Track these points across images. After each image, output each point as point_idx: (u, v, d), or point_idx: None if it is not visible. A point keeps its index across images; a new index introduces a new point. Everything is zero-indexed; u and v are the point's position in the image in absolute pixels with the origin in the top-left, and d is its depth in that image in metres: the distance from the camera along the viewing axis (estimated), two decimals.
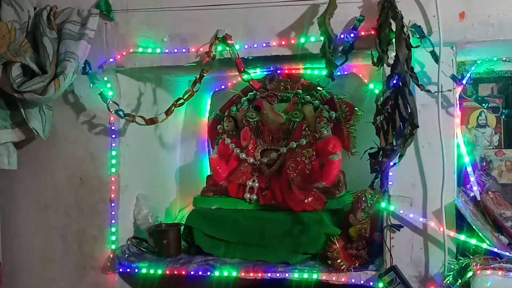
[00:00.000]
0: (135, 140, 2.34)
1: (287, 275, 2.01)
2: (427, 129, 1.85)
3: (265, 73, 2.45)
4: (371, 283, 1.92)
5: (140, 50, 2.16)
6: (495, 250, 1.80)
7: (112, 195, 2.25)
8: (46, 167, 2.34)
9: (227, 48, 2.04)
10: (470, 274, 1.74)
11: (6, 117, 2.19)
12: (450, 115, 1.88)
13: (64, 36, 2.11)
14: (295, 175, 2.21)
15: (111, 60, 2.20)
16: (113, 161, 2.24)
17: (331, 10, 1.87)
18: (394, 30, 1.77)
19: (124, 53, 2.18)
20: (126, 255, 2.24)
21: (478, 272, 1.72)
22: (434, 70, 1.84)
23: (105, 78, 2.23)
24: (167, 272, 2.14)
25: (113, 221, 2.24)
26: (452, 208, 1.86)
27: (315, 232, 2.08)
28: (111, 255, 2.24)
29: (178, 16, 2.12)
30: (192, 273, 2.11)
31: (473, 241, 1.81)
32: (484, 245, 1.80)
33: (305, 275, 1.99)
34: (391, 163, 1.79)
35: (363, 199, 2.08)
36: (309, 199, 2.12)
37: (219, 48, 2.05)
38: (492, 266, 1.73)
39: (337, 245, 1.97)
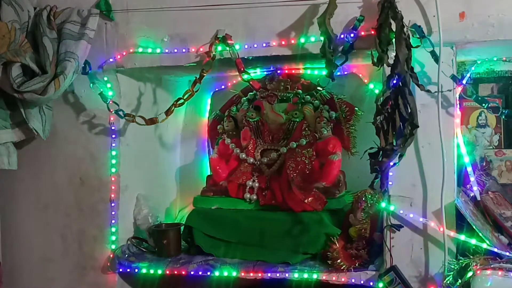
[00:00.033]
0: (135, 140, 2.34)
1: (287, 275, 2.01)
2: (427, 129, 1.85)
3: (265, 73, 2.45)
4: (371, 283, 1.92)
5: (140, 50, 2.16)
6: (495, 250, 1.80)
7: (112, 195, 2.25)
8: (46, 167, 2.34)
9: (227, 48, 2.04)
10: (470, 274, 1.74)
11: (6, 117, 2.19)
12: (450, 115, 1.88)
13: (64, 36, 2.11)
14: (295, 175, 2.21)
15: (111, 60, 2.20)
16: (113, 161, 2.24)
17: (331, 10, 1.87)
18: (394, 30, 1.77)
19: (124, 53, 2.18)
20: (126, 255, 2.24)
21: (478, 272, 1.72)
22: (434, 70, 1.84)
23: (105, 78, 2.23)
24: (167, 272, 2.14)
25: (113, 221, 2.24)
26: (452, 208, 1.86)
27: (315, 232, 2.08)
28: (111, 255, 2.24)
29: (178, 16, 2.12)
30: (192, 273, 2.11)
31: (473, 241, 1.81)
32: (484, 245, 1.80)
33: (305, 275, 1.99)
34: (391, 163, 1.79)
35: (363, 199, 2.08)
36: (309, 199, 2.12)
37: (219, 48, 2.05)
38: (492, 266, 1.73)
39: (337, 245, 1.97)
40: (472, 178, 2.05)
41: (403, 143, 1.75)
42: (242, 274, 2.05)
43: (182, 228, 2.29)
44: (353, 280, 1.94)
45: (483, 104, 2.01)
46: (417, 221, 1.89)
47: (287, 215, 2.15)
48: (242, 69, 2.04)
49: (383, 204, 1.91)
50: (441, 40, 1.81)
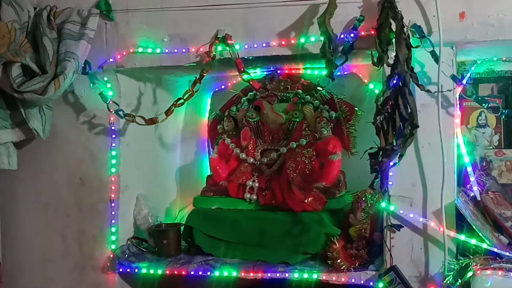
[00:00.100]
0: (135, 140, 2.34)
1: (287, 275, 2.01)
2: (427, 129, 1.85)
3: (265, 73, 2.45)
4: (371, 283, 1.92)
5: (140, 50, 2.16)
6: (495, 250, 1.80)
7: (112, 195, 2.25)
8: (46, 167, 2.34)
9: (227, 48, 2.04)
10: (470, 274, 1.74)
11: (6, 117, 2.19)
12: (450, 115, 1.88)
13: (64, 36, 2.11)
14: (295, 175, 2.21)
15: (111, 60, 2.20)
16: (113, 161, 2.24)
17: (331, 10, 1.87)
18: (394, 30, 1.77)
19: (124, 53, 2.18)
20: (126, 255, 2.24)
21: (478, 272, 1.72)
22: (434, 70, 1.84)
23: (105, 78, 2.23)
24: (167, 272, 2.14)
25: (113, 221, 2.24)
26: (452, 208, 1.86)
27: (315, 232, 2.08)
28: (111, 255, 2.24)
29: (178, 16, 2.12)
30: (192, 273, 2.11)
31: (473, 241, 1.81)
32: (484, 245, 1.80)
33: (305, 275, 1.99)
34: (391, 163, 1.79)
35: (363, 199, 2.08)
36: (309, 199, 2.12)
37: (219, 48, 2.05)
38: (492, 266, 1.73)
39: (337, 245, 1.97)
40: (472, 178, 2.05)
41: (403, 143, 1.75)
42: (242, 274, 2.05)
43: (182, 228, 2.29)
44: (353, 280, 1.94)
45: (483, 104, 2.01)
46: (417, 221, 1.89)
47: (287, 215, 2.14)
48: (242, 69, 2.04)
49: (383, 204, 1.91)
50: (441, 40, 1.81)
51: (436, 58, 1.82)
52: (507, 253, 1.80)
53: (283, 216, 2.16)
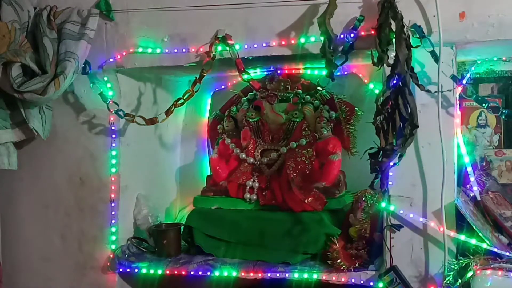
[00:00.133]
0: (135, 140, 2.34)
1: (287, 275, 2.01)
2: (427, 129, 1.85)
3: (265, 73, 2.45)
4: (371, 283, 1.92)
5: (140, 50, 2.16)
6: (495, 250, 1.80)
7: (112, 195, 2.25)
8: (46, 167, 2.34)
9: (227, 48, 2.04)
10: (470, 274, 1.74)
11: (6, 117, 2.19)
12: (450, 115, 1.88)
13: (64, 36, 2.11)
14: (295, 175, 2.21)
15: (111, 60, 2.20)
16: (113, 161, 2.24)
17: (331, 10, 1.87)
18: (394, 30, 1.77)
19: (124, 53, 2.18)
20: (126, 255, 2.24)
21: (478, 272, 1.72)
22: (434, 70, 1.84)
23: (105, 78, 2.23)
24: (167, 272, 2.14)
25: (113, 221, 2.24)
26: (452, 208, 1.86)
27: (315, 232, 2.08)
28: (111, 255, 2.24)
29: (178, 16, 2.12)
30: (192, 273, 2.11)
31: (473, 241, 1.81)
32: (484, 245, 1.80)
33: (305, 275, 1.99)
34: (391, 163, 1.79)
35: (363, 199, 2.08)
36: (309, 199, 2.12)
37: (219, 48, 2.05)
38: (492, 266, 1.73)
39: (337, 245, 1.97)
40: (472, 178, 2.05)
41: (403, 143, 1.75)
42: (242, 274, 2.05)
43: (182, 228, 2.29)
44: (353, 280, 1.94)
45: (483, 104, 2.00)
46: (417, 221, 1.89)
47: (287, 215, 2.14)
48: (242, 69, 2.04)
49: (383, 204, 1.91)
50: (441, 40, 1.81)
51: (436, 58, 1.82)
52: (507, 253, 1.80)
53: (283, 216, 2.16)
